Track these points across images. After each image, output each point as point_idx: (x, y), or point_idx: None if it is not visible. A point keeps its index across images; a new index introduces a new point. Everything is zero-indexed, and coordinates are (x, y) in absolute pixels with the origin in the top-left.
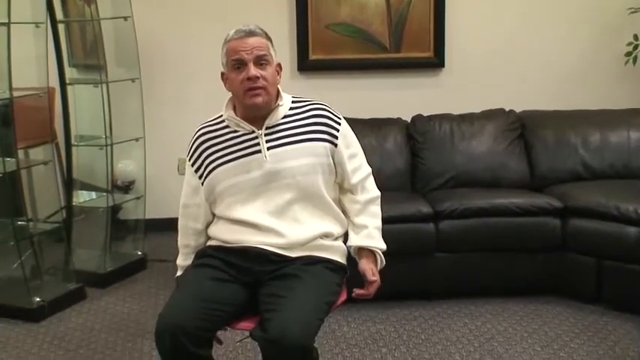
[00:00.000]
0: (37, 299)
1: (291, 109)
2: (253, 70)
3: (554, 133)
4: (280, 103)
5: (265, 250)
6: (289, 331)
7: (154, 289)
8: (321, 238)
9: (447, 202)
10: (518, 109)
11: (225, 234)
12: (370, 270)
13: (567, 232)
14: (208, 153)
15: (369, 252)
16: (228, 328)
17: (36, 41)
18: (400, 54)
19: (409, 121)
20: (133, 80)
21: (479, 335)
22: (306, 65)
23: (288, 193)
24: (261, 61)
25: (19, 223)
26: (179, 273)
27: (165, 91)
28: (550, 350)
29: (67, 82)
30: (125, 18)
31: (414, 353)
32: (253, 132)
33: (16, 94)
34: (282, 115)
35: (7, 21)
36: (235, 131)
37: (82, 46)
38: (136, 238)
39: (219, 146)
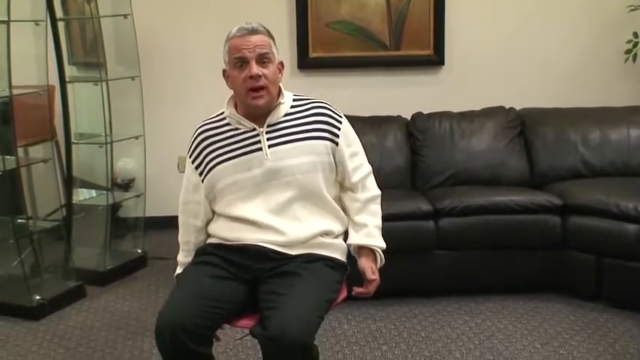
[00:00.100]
0: (37, 297)
1: (292, 107)
2: (255, 69)
3: (554, 130)
4: (282, 102)
5: (265, 247)
6: (289, 329)
7: (153, 287)
8: (322, 236)
9: (446, 199)
10: (518, 107)
11: (225, 232)
12: (370, 269)
13: (567, 229)
14: (209, 150)
15: (369, 250)
16: (228, 326)
17: (36, 39)
18: (400, 52)
19: (409, 118)
20: (132, 78)
21: (479, 333)
22: (306, 63)
23: (288, 191)
24: (263, 59)
25: (19, 221)
26: (179, 270)
27: (165, 89)
28: (550, 348)
29: (67, 80)
30: (125, 16)
31: (414, 351)
32: (254, 130)
33: (15, 92)
34: (283, 113)
35: (6, 19)
36: (236, 129)
37: (81, 44)
38: (136, 236)
39: (220, 144)
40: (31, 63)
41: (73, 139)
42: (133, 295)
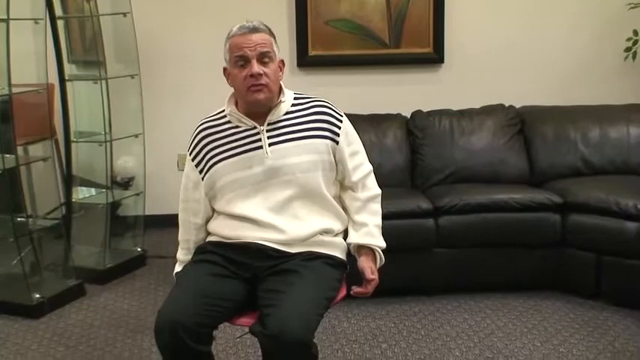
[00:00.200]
0: (37, 296)
1: (293, 105)
2: (256, 67)
3: (553, 128)
4: (282, 100)
5: (265, 245)
6: (288, 327)
7: (153, 285)
8: (321, 234)
9: (446, 197)
10: (517, 105)
11: (224, 230)
12: (369, 268)
13: (567, 227)
14: (209, 148)
15: (369, 250)
16: (228, 324)
17: (35, 37)
18: (400, 50)
19: (409, 116)
20: (132, 76)
21: (478, 331)
22: (305, 61)
23: (288, 189)
24: (264, 58)
25: (19, 219)
26: (178, 267)
27: (164, 87)
28: (550, 345)
29: (67, 78)
30: (124, 14)
31: (414, 349)
32: (255, 128)
33: (15, 90)
34: (284, 112)
35: (6, 17)
36: (237, 127)
37: (81, 43)
38: (136, 234)
39: (221, 141)
40: (30, 61)
41: (72, 138)
42: (132, 294)
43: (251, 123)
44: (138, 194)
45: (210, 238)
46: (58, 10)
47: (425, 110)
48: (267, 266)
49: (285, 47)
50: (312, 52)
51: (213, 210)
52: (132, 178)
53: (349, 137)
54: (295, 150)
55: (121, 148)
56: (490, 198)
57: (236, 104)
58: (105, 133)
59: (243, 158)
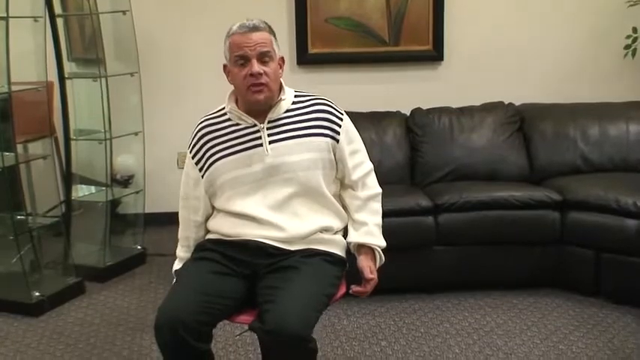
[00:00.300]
0: (37, 294)
1: (293, 103)
2: (256, 67)
3: (553, 126)
4: (283, 98)
5: (264, 243)
6: (287, 322)
7: (153, 283)
8: (321, 232)
9: (446, 195)
10: (517, 102)
11: (224, 227)
12: (368, 268)
13: (566, 224)
14: (210, 146)
15: (369, 249)
16: (228, 322)
17: (34, 35)
18: (399, 47)
19: (408, 114)
20: (131, 74)
21: (478, 328)
22: (305, 59)
23: (288, 187)
24: (264, 57)
25: (18, 217)
26: (177, 264)
27: (164, 85)
28: (549, 343)
29: (66, 76)
30: (124, 12)
31: (414, 346)
32: (255, 125)
33: (14, 88)
34: (284, 110)
35: (5, 15)
36: (237, 124)
37: (80, 41)
38: (136, 232)
39: (221, 139)
40: (30, 59)
41: (72, 136)
42: (132, 292)
43: (251, 121)
44: (137, 192)
45: (209, 236)
46: (58, 8)
47: (424, 108)
48: (267, 264)
49: (285, 45)
50: (311, 50)
51: (213, 208)
52: (132, 176)
53: (350, 135)
54: (295, 148)
55: (121, 145)
56: (490, 195)
57: (236, 102)
58: (104, 131)
59: (243, 156)
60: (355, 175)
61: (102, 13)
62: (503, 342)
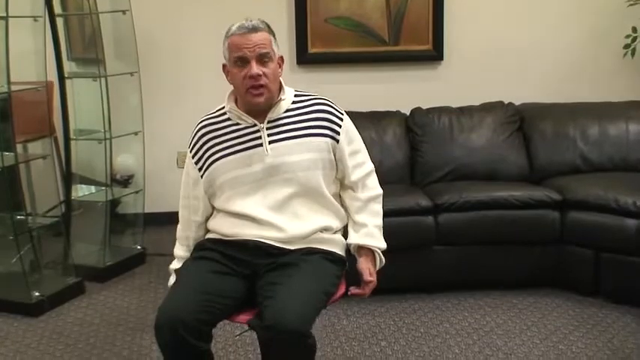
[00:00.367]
0: (36, 294)
1: (293, 102)
2: (255, 69)
3: (552, 125)
4: (282, 98)
5: (264, 243)
6: (286, 317)
7: (153, 283)
8: (321, 231)
9: (446, 195)
10: (517, 102)
11: (224, 228)
12: (367, 270)
13: (566, 224)
14: (209, 145)
15: (369, 251)
16: (228, 323)
17: (34, 35)
18: (399, 47)
19: (408, 114)
20: (131, 74)
21: (478, 328)
22: (305, 58)
23: (288, 187)
24: (263, 58)
25: (18, 217)
26: (176, 264)
27: (163, 84)
28: (549, 343)
29: (66, 76)
30: (123, 11)
31: (413, 346)
32: (255, 125)
33: (14, 88)
34: (284, 109)
35: (5, 15)
36: (237, 124)
37: (80, 40)
38: (135, 232)
39: (221, 139)
40: (29, 59)
41: (71, 135)
42: (132, 292)
43: (251, 120)
44: (137, 192)
45: (209, 236)
46: (58, 8)
47: (424, 107)
48: (266, 263)
49: (284, 45)
50: (311, 50)
51: (213, 208)
52: (131, 176)
53: (350, 136)
54: (295, 148)
55: (121, 145)
56: (489, 195)
57: (235, 101)
58: (104, 131)
59: (243, 156)
60: (355, 176)
61: (102, 12)
62: (502, 342)
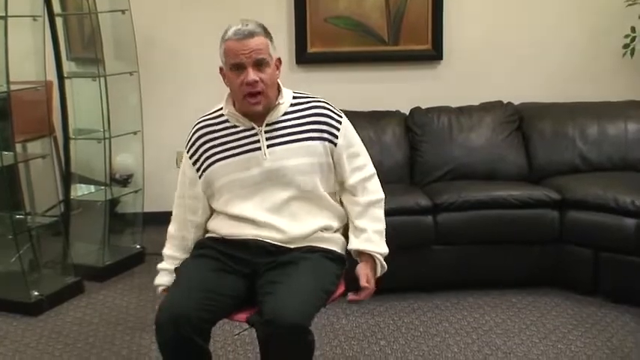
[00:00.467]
0: (36, 293)
1: (291, 105)
2: (252, 75)
3: (552, 125)
4: (281, 102)
5: (264, 241)
6: (285, 312)
7: (152, 282)
8: (321, 230)
9: (445, 194)
10: (516, 102)
11: (223, 229)
12: (365, 276)
13: (565, 224)
14: (207, 147)
15: (368, 256)
16: (227, 321)
17: (34, 35)
18: (398, 47)
19: (407, 113)
20: (130, 73)
21: (477, 327)
22: (304, 58)
23: (286, 191)
24: (260, 64)
25: (17, 216)
26: (165, 264)
27: (163, 84)
28: (548, 342)
29: (65, 75)
30: (123, 11)
31: (413, 345)
32: (253, 128)
33: (13, 87)
34: (282, 112)
35: (4, 14)
36: (235, 126)
37: (79, 40)
38: (135, 231)
39: (219, 141)
40: (28, 59)
41: (71, 135)
42: (131, 291)
43: (249, 124)
44: (136, 191)
45: (209, 235)
46: (57, 7)
47: (424, 107)
48: (266, 262)
49: (284, 44)
50: (311, 50)
51: (211, 208)
52: (131, 176)
53: (349, 139)
54: (293, 152)
55: (120, 145)
56: (489, 195)
57: (233, 103)
58: (104, 131)
59: (241, 159)
60: (354, 179)
61: (101, 12)
62: (502, 341)
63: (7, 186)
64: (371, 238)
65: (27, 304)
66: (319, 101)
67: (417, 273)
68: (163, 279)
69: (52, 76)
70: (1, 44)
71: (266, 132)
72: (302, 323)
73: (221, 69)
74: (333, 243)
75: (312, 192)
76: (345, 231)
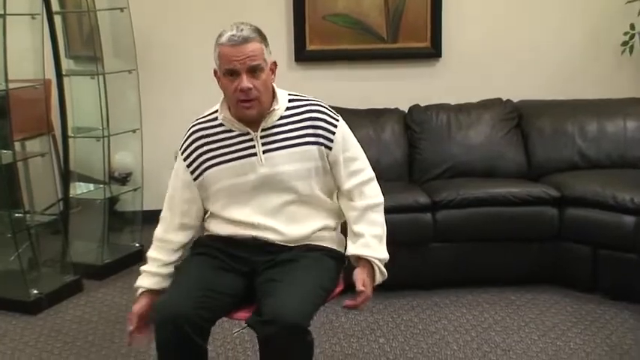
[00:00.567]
0: (35, 291)
1: (287, 109)
2: (245, 82)
3: (550, 122)
4: (276, 108)
5: (263, 241)
6: (285, 312)
7: None
8: (319, 230)
9: (444, 192)
10: (515, 99)
11: (222, 230)
12: (361, 280)
13: (564, 221)
14: (202, 151)
15: (366, 262)
16: (226, 320)
17: (32, 33)
18: (397, 44)
19: (406, 111)
20: (129, 71)
21: (476, 325)
22: (303, 56)
23: (284, 196)
24: (254, 70)
25: (17, 215)
26: (149, 266)
27: (162, 82)
28: (547, 339)
29: (64, 73)
30: (121, 9)
31: (412, 343)
32: (249, 134)
33: (12, 85)
34: (277, 117)
35: (2, 12)
36: (230, 130)
37: (78, 38)
38: (134, 229)
39: (214, 145)
40: (27, 57)
41: (70, 133)
42: (130, 289)
43: (244, 129)
44: (135, 189)
45: (207, 233)
46: (55, 5)
47: (422, 105)
48: (265, 260)
49: (283, 42)
50: (309, 47)
51: (205, 210)
52: (129, 174)
53: (345, 142)
54: (290, 157)
55: (119, 143)
56: (487, 192)
57: (229, 108)
58: (102, 129)
59: (238, 165)
60: (350, 184)
61: (99, 10)
62: (501, 338)
63: (5, 184)
64: (368, 243)
65: (26, 302)
66: (315, 104)
67: (416, 270)
68: (144, 281)
69: (50, 74)
70: None
71: (262, 137)
72: (302, 323)
73: (215, 72)
74: (332, 241)
75: (310, 196)
76: (344, 231)
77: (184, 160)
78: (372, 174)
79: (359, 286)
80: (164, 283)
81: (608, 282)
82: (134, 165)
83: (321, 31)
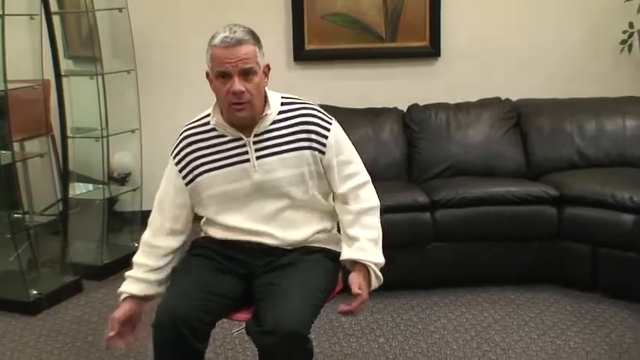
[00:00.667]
0: (34, 292)
1: (280, 113)
2: (237, 85)
3: (549, 121)
4: (268, 112)
5: (260, 244)
6: (285, 321)
7: None
8: (317, 233)
9: (443, 191)
10: (514, 98)
11: (218, 234)
12: (357, 284)
13: (563, 220)
14: (194, 157)
15: (361, 266)
16: (225, 320)
17: (31, 33)
18: (396, 43)
19: (405, 110)
20: (128, 72)
21: (475, 324)
22: (302, 55)
23: (278, 202)
24: (247, 73)
25: (16, 215)
26: (134, 272)
27: (160, 82)
28: (546, 338)
29: (63, 74)
30: (120, 9)
31: (411, 342)
32: (242, 139)
33: (10, 86)
34: (270, 122)
35: (1, 13)
36: (223, 136)
37: (77, 38)
38: (133, 230)
39: (206, 151)
40: (26, 57)
41: (69, 134)
42: None
43: (237, 134)
44: (135, 190)
45: (204, 234)
46: (54, 6)
47: (421, 104)
48: (263, 264)
49: (281, 42)
50: (308, 47)
51: (196, 216)
52: (129, 174)
53: (339, 146)
54: (283, 163)
55: (118, 143)
56: (486, 191)
57: (221, 112)
58: (101, 129)
59: (230, 171)
60: (345, 187)
61: (98, 10)
62: (500, 338)
63: (4, 185)
64: (364, 246)
65: (25, 303)
66: (308, 107)
67: (415, 270)
68: (129, 287)
69: (49, 74)
70: None
71: (254, 143)
72: (302, 332)
73: (207, 74)
74: (330, 242)
75: (304, 200)
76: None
77: (176, 164)
78: (367, 177)
79: (354, 290)
80: (149, 290)
81: (608, 281)
82: (133, 165)
83: (319, 30)
